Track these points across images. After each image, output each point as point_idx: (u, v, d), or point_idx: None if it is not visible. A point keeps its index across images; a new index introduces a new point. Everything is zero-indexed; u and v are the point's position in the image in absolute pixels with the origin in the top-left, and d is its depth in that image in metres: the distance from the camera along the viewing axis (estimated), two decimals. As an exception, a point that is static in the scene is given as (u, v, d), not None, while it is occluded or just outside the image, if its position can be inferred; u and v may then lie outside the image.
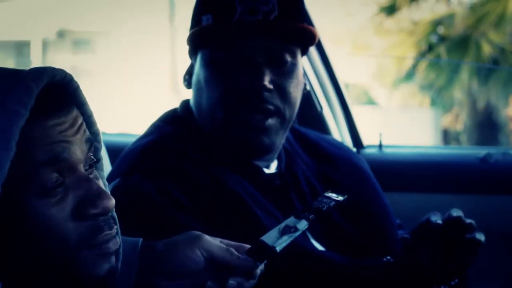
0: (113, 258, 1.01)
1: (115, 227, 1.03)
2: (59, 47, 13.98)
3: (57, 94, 0.98)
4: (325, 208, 1.20)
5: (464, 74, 10.26)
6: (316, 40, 1.60)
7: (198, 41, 1.57)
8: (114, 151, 1.77)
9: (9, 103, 0.91)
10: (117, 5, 14.00)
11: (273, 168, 1.62)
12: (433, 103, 12.02)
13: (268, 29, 1.52)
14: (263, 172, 1.59)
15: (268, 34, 1.53)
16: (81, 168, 0.99)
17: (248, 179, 1.55)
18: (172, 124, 1.62)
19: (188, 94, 1.66)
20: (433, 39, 10.60)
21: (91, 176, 1.01)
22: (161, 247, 1.17)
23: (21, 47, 13.47)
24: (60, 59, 13.52)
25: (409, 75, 10.92)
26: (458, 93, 10.86)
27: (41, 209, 0.94)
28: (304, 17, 1.59)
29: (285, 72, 1.55)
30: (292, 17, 1.55)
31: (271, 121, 1.54)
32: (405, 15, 10.93)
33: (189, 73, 1.62)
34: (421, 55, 10.53)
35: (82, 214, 0.97)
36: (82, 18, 13.90)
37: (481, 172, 2.35)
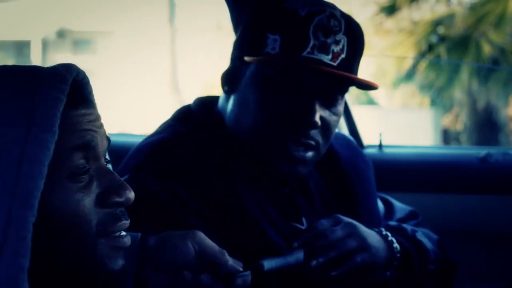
0: (123, 256, 1.05)
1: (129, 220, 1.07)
2: (59, 47, 13.98)
3: (80, 89, 1.04)
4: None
5: (464, 74, 10.26)
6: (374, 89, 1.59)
7: (260, 62, 1.53)
8: (114, 151, 1.76)
9: (49, 90, 0.98)
10: (117, 5, 14.02)
11: None
12: (433, 103, 12.02)
13: (335, 74, 1.50)
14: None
15: (332, 77, 1.51)
16: (103, 160, 1.05)
17: (258, 185, 1.55)
18: (186, 123, 1.60)
19: (188, 94, 1.64)
20: (433, 39, 10.60)
21: None
22: (153, 241, 1.19)
23: (21, 47, 13.48)
24: (60, 59, 13.51)
25: (409, 75, 10.92)
26: (458, 93, 10.86)
27: (69, 191, 1.00)
28: (360, 60, 1.58)
29: (333, 111, 1.54)
30: (356, 62, 1.54)
31: (310, 154, 1.53)
32: (405, 15, 10.93)
33: (231, 77, 1.58)
34: (421, 55, 10.53)
35: (105, 202, 1.03)
36: (82, 18, 13.90)
37: (481, 172, 2.35)
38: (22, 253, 0.93)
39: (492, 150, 2.39)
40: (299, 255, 1.19)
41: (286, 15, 1.52)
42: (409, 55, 10.68)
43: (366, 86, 1.57)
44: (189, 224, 1.43)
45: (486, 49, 9.91)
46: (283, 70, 1.50)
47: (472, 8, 10.32)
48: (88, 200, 1.01)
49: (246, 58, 1.53)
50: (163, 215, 1.43)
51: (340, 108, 1.56)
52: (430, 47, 10.51)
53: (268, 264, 1.18)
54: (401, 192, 2.30)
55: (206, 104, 1.63)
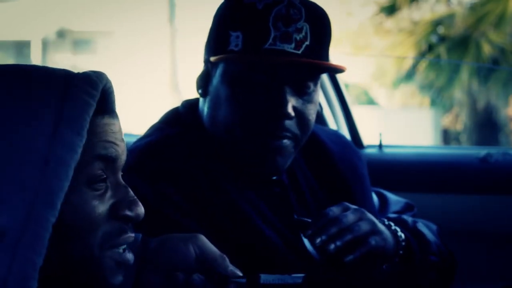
0: (123, 272, 1.06)
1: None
2: (59, 47, 13.98)
3: (107, 98, 1.05)
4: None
5: (464, 74, 10.26)
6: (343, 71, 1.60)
7: (225, 60, 1.54)
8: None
9: (80, 93, 0.98)
10: (117, 5, 14.01)
11: None
12: (433, 103, 12.03)
13: (300, 62, 1.51)
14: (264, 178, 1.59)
15: (297, 65, 1.52)
16: (120, 173, 1.06)
17: (249, 185, 1.55)
18: (174, 126, 1.61)
19: (188, 94, 1.64)
20: (433, 39, 10.60)
21: None
22: (155, 244, 1.19)
23: (21, 47, 13.48)
24: (60, 59, 13.53)
25: (409, 75, 10.92)
26: (458, 93, 10.87)
27: (86, 196, 1.01)
28: (329, 45, 1.58)
29: (307, 99, 1.54)
30: (322, 47, 1.54)
31: (287, 142, 1.53)
32: (405, 15, 10.94)
33: (204, 79, 1.59)
34: (421, 55, 10.54)
35: (117, 214, 1.03)
36: (82, 18, 13.90)
37: (481, 172, 2.35)
38: (38, 251, 0.93)
39: (492, 150, 2.39)
40: (298, 278, 1.21)
41: (244, 11, 1.52)
42: (409, 55, 10.68)
43: (334, 70, 1.59)
44: (182, 225, 1.43)
45: (486, 49, 9.91)
46: (248, 66, 1.51)
47: (472, 8, 10.33)
48: (102, 209, 1.02)
49: (212, 58, 1.55)
50: (154, 217, 1.43)
51: (315, 95, 1.56)
52: (430, 47, 10.52)
53: (265, 277, 1.19)
54: (401, 192, 2.30)
55: (194, 106, 1.64)
